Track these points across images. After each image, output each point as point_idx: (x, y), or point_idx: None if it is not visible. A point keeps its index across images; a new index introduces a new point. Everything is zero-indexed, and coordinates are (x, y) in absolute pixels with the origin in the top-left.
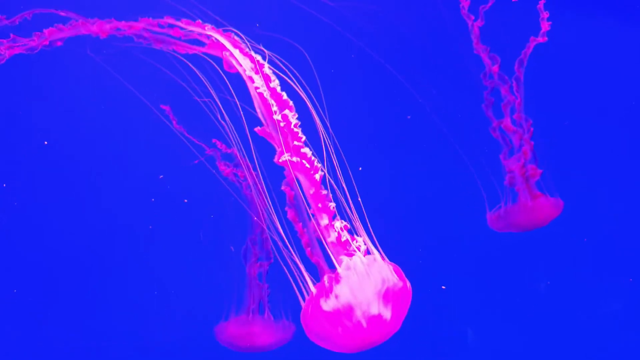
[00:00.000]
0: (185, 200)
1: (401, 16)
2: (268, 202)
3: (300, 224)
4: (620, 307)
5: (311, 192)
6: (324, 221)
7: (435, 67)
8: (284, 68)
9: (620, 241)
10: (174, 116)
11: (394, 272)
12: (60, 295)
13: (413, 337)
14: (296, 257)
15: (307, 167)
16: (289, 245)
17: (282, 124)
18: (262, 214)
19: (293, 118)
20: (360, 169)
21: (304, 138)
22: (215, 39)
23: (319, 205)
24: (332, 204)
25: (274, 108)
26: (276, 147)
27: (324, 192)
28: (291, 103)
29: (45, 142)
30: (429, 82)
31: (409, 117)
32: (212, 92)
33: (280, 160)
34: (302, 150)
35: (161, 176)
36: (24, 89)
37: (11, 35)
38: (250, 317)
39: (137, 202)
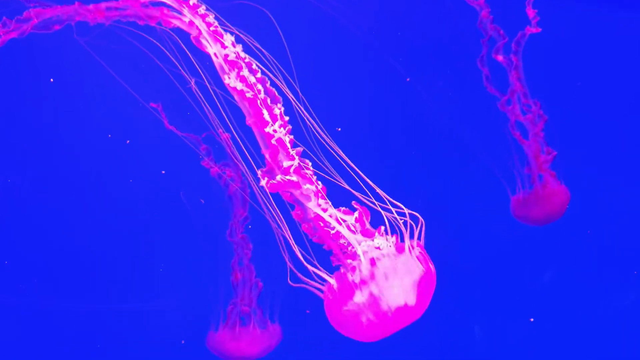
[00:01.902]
0: (202, 200)
1: (400, 8)
2: (268, 198)
3: (309, 223)
4: (631, 301)
5: (314, 208)
6: (338, 227)
7: (440, 59)
8: (271, 69)
9: (630, 234)
10: (165, 108)
11: (418, 260)
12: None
13: (418, 335)
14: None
15: (301, 186)
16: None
17: (273, 140)
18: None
19: (284, 133)
20: (339, 129)
21: (296, 160)
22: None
23: (325, 214)
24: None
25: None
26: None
27: (326, 204)
28: (282, 113)
29: (51, 79)
30: (434, 73)
31: (408, 79)
32: (191, 81)
33: (265, 185)
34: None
35: (128, 141)
36: (4, 76)
37: (4, 18)
38: (237, 328)
39: (127, 197)
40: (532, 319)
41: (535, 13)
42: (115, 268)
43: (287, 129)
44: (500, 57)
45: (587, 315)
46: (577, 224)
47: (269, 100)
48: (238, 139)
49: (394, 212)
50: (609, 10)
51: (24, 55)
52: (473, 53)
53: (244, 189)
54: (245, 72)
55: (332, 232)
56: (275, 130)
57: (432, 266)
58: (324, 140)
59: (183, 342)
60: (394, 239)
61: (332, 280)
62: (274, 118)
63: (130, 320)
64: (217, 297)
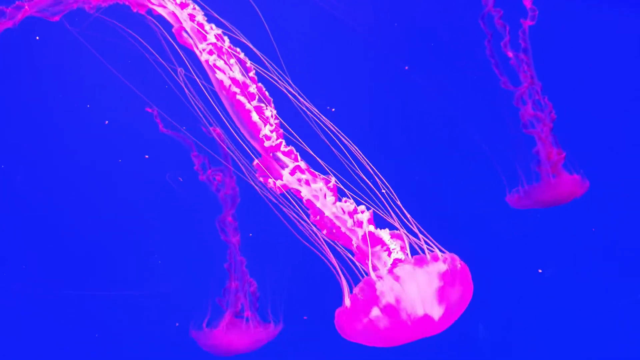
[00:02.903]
0: (180, 179)
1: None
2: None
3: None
4: (635, 300)
5: (327, 211)
6: (359, 231)
7: (444, 50)
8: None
9: (635, 231)
10: (161, 109)
11: (448, 270)
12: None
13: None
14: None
15: (309, 183)
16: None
17: (266, 144)
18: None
19: (276, 138)
20: (333, 109)
21: (293, 155)
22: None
23: (342, 216)
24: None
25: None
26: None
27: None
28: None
29: (37, 37)
30: (439, 68)
31: (406, 67)
32: (178, 72)
33: (274, 186)
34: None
35: (106, 122)
36: None
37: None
38: (230, 323)
39: (114, 189)
40: (540, 270)
41: (531, 3)
42: (111, 255)
43: (279, 132)
44: (510, 53)
45: (591, 312)
46: (581, 221)
47: (264, 107)
48: (232, 130)
49: (412, 219)
50: (609, 6)
51: (13, 40)
52: (471, 45)
53: (235, 189)
54: (236, 73)
55: (345, 230)
56: (267, 137)
57: (468, 279)
58: (328, 134)
59: (177, 324)
60: (408, 249)
61: (346, 301)
62: (265, 121)
63: (124, 305)
64: (211, 290)
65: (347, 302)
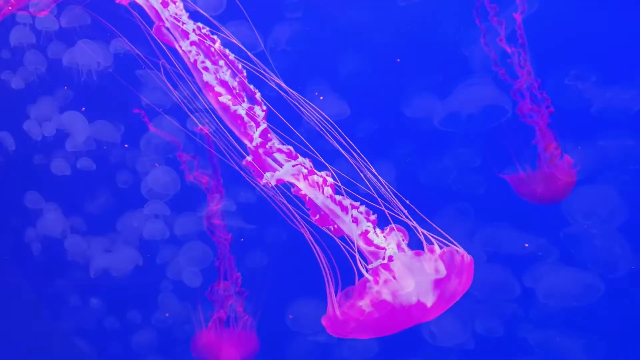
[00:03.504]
0: (157, 165)
1: None
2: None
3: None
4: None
5: (322, 203)
6: (357, 229)
7: (437, 42)
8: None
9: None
10: (151, 108)
11: (445, 263)
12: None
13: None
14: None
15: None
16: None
17: (260, 150)
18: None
19: (265, 141)
20: (321, 97)
21: (283, 147)
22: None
23: (337, 210)
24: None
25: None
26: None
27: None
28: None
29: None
30: (432, 60)
31: (398, 60)
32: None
33: (265, 183)
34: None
35: (83, 108)
36: None
37: None
38: (218, 322)
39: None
40: (526, 245)
41: None
42: (102, 247)
43: (268, 136)
44: (508, 48)
45: (589, 309)
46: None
47: (254, 108)
48: (222, 127)
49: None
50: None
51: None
52: (466, 35)
53: (221, 191)
54: (225, 75)
55: (343, 227)
56: (258, 140)
57: (467, 270)
58: (321, 127)
59: (167, 314)
60: (403, 238)
61: (335, 305)
62: (255, 123)
63: (114, 298)
64: (201, 285)
65: (336, 308)
